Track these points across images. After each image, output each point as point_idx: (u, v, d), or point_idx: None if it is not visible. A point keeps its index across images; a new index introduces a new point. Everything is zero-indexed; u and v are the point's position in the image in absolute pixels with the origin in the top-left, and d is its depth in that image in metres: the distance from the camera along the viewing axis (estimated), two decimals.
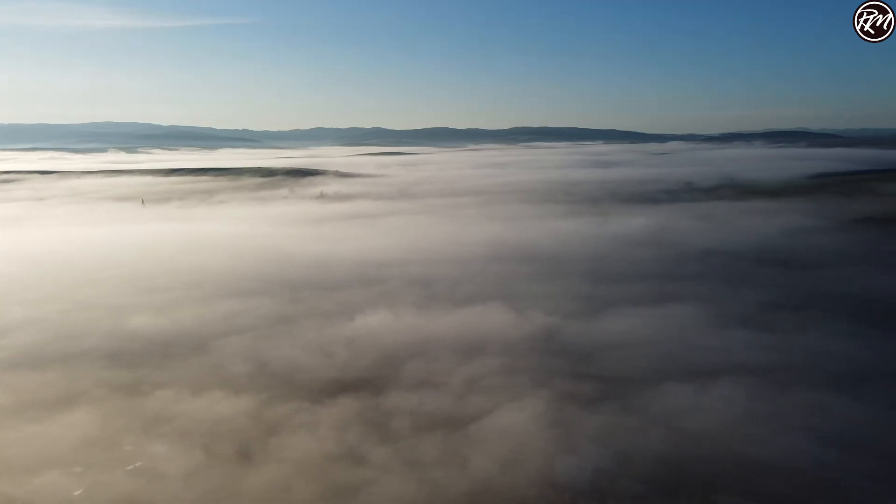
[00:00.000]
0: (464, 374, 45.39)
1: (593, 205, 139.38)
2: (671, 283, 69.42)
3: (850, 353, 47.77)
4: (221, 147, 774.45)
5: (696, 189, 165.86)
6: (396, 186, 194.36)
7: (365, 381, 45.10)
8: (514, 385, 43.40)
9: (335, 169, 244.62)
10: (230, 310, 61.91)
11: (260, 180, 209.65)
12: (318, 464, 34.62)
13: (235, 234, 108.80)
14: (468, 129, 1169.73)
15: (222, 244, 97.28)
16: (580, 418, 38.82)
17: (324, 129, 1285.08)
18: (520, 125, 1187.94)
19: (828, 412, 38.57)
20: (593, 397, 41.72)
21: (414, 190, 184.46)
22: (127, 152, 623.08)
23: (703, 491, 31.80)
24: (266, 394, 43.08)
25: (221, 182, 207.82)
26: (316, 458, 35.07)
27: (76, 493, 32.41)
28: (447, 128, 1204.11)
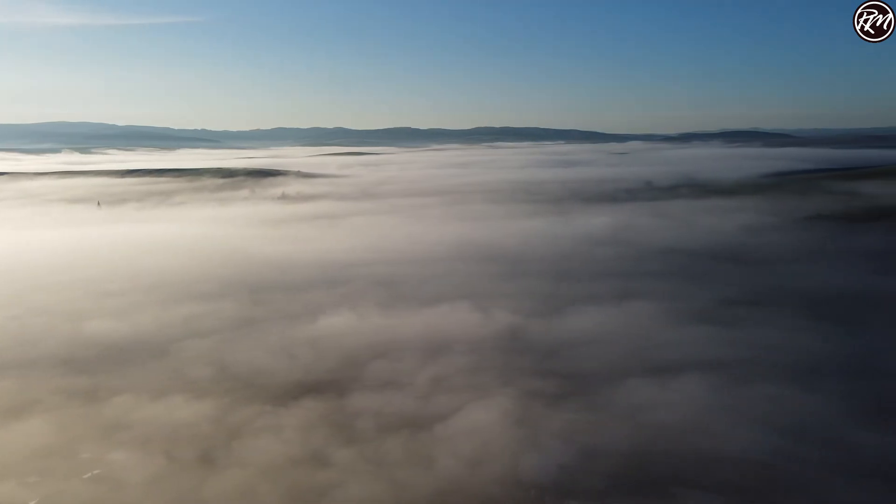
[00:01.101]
0: (429, 374, 45.38)
1: (556, 204, 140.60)
2: (632, 280, 70.46)
3: (804, 347, 49.06)
4: (180, 147, 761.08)
5: (655, 188, 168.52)
6: (359, 187, 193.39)
7: (329, 382, 44.78)
8: (480, 384, 43.56)
9: (297, 169, 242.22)
10: (190, 313, 60.88)
11: (220, 181, 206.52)
12: (282, 467, 34.25)
13: (195, 235, 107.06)
14: (431, 129, 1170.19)
15: (181, 246, 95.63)
16: (545, 416, 39.13)
17: (285, 129, 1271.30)
18: (482, 125, 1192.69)
19: (783, 405, 39.54)
20: (558, 394, 42.09)
21: (377, 190, 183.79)
22: (81, 153, 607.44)
23: (664, 484, 32.31)
24: (228, 397, 42.47)
25: (180, 183, 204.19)
26: (280, 462, 34.70)
27: (31, 503, 31.53)
28: (410, 128, 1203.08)
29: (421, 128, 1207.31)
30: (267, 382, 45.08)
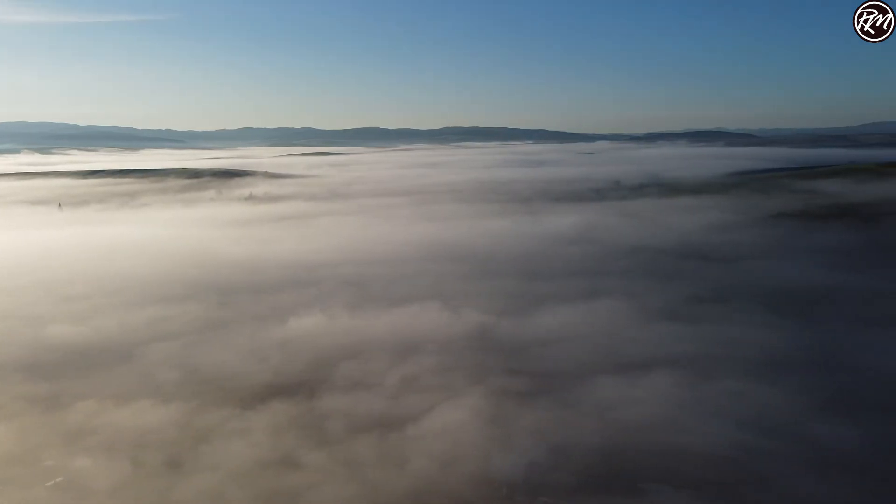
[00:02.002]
0: (400, 374, 45.34)
1: (524, 204, 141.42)
2: (601, 279, 71.25)
3: (767, 342, 50.11)
4: (143, 148, 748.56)
5: (622, 187, 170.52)
6: (328, 187, 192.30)
7: (299, 384, 44.48)
8: (451, 383, 43.65)
9: (264, 170, 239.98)
10: (156, 316, 59.95)
11: (185, 182, 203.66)
12: (251, 470, 33.92)
13: (160, 237, 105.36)
14: (399, 129, 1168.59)
15: (146, 248, 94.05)
16: (515, 414, 39.38)
17: (252, 129, 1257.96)
18: (451, 125, 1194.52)
19: (747, 399, 40.36)
20: (528, 392, 42.38)
21: (346, 190, 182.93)
22: (41, 153, 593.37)
23: (632, 480, 32.76)
24: (196, 401, 41.91)
25: (144, 184, 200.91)
26: (250, 465, 34.36)
27: None
28: (378, 128, 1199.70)
29: (389, 128, 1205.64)
30: (235, 385, 44.59)
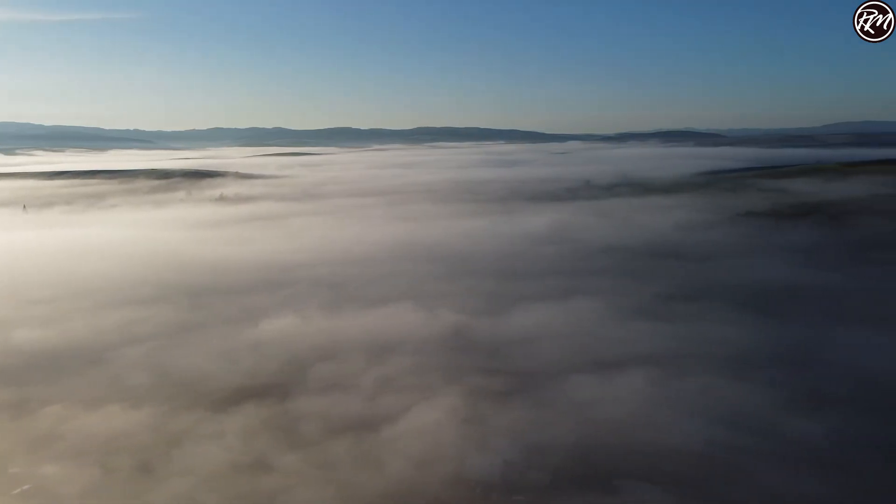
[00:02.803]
0: (375, 375, 45.11)
1: (498, 203, 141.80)
2: (575, 278, 71.66)
3: (738, 339, 50.79)
4: (111, 148, 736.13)
5: (595, 187, 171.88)
6: (300, 187, 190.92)
7: (272, 386, 44.03)
8: (427, 384, 43.53)
9: (235, 170, 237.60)
10: (125, 319, 58.93)
11: (154, 183, 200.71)
12: (224, 474, 33.47)
13: (129, 239, 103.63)
14: (372, 130, 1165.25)
15: (114, 250, 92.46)
16: (491, 413, 39.40)
17: (222, 129, 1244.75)
18: (424, 125, 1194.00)
19: (719, 396, 40.84)
20: (504, 392, 42.45)
21: (318, 191, 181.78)
22: (5, 154, 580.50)
23: (607, 477, 32.96)
24: (167, 405, 41.27)
25: (112, 185, 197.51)
26: (222, 469, 33.90)
27: None
28: (350, 128, 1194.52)
29: (362, 128, 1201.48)
30: (207, 388, 44.00)
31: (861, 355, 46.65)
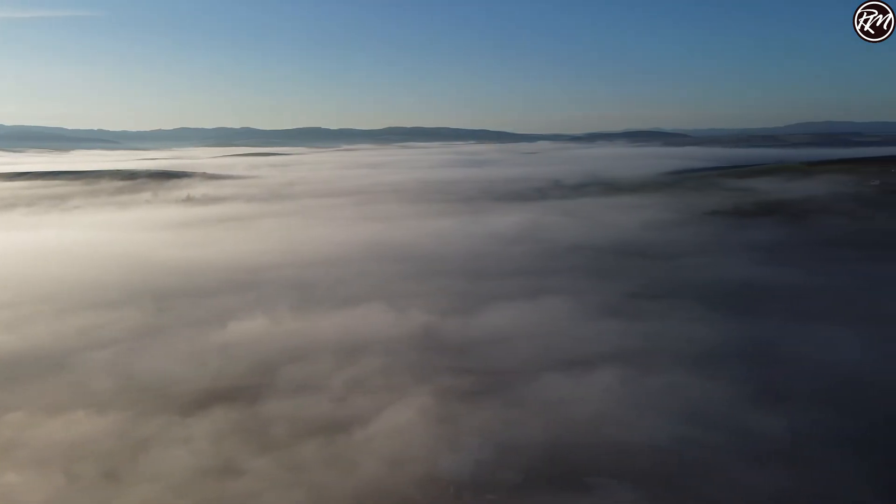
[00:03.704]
0: (345, 377, 44.88)
1: (468, 203, 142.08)
2: (544, 277, 72.14)
3: (704, 337, 51.55)
4: (74, 148, 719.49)
5: (563, 186, 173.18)
6: (269, 188, 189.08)
7: (241, 389, 43.54)
8: (397, 384, 43.46)
9: (202, 170, 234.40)
10: (89, 323, 57.78)
11: (119, 184, 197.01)
12: (193, 479, 32.98)
13: (92, 241, 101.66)
14: (341, 129, 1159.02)
15: (78, 253, 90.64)
16: (463, 413, 39.45)
17: (188, 128, 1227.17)
18: (393, 125, 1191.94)
19: (687, 393, 41.40)
20: (475, 391, 42.56)
21: (287, 191, 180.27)
22: None
23: (577, 475, 33.25)
24: (133, 409, 40.56)
25: (75, 186, 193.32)
26: (191, 474, 33.40)
27: None
28: (319, 128, 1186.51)
29: (331, 128, 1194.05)
30: (174, 392, 43.36)
31: (823, 351, 47.75)
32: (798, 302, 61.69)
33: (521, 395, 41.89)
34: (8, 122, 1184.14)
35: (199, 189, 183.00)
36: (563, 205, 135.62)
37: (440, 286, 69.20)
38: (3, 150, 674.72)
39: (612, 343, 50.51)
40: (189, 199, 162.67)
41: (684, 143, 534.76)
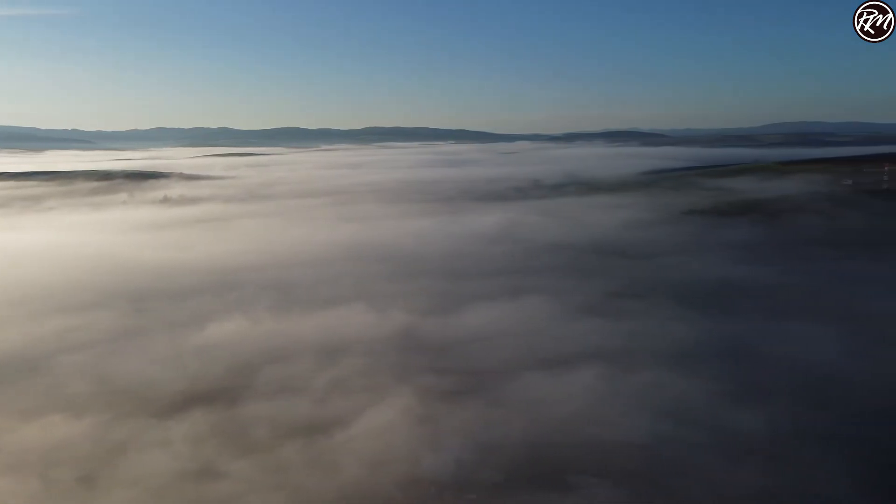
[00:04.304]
0: (326, 377, 44.71)
1: (447, 203, 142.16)
2: (524, 276, 72.46)
3: (682, 335, 52.12)
4: (48, 149, 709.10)
5: (543, 186, 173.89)
6: (247, 188, 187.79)
7: (220, 391, 43.21)
8: (378, 385, 43.36)
9: (180, 171, 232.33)
10: (65, 326, 56.98)
11: (95, 184, 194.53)
12: (172, 483, 32.65)
13: (68, 243, 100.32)
14: (320, 129, 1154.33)
15: (53, 255, 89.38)
16: (443, 413, 39.45)
17: (165, 129, 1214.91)
18: (372, 125, 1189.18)
19: (665, 391, 41.78)
20: (456, 391, 42.58)
21: (266, 191, 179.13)
22: None
23: (558, 473, 33.40)
24: (110, 413, 40.07)
25: (50, 187, 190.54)
26: (170, 477, 33.06)
27: None
28: (298, 128, 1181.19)
29: (309, 128, 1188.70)
30: (152, 394, 42.90)
31: (796, 348, 48.46)
32: (774, 300, 62.54)
33: (502, 394, 41.99)
34: None
35: (177, 189, 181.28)
36: (542, 204, 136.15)
37: (420, 286, 69.18)
38: None
39: (592, 342, 50.79)
40: (166, 200, 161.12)
41: (662, 143, 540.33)
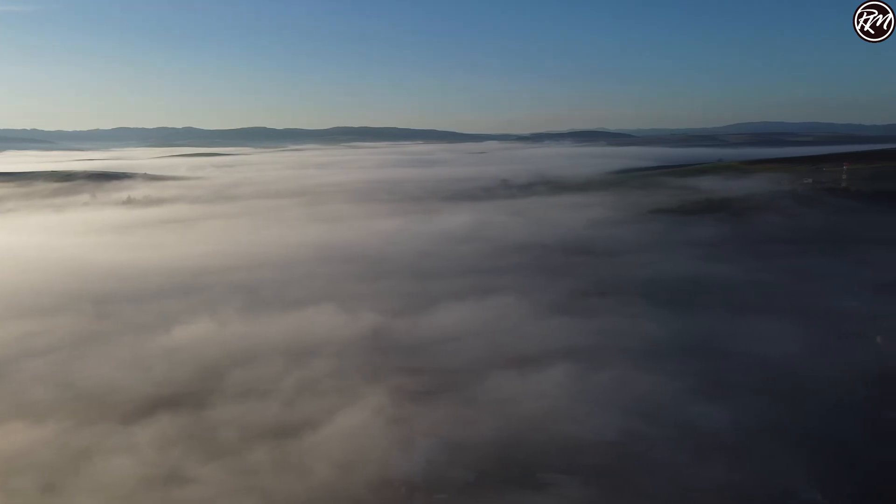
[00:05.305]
0: (295, 379, 44.41)
1: (416, 203, 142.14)
2: (493, 276, 72.82)
3: (648, 332, 52.89)
4: (6, 149, 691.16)
5: (511, 186, 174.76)
6: (213, 189, 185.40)
7: (187, 394, 42.65)
8: (349, 386, 43.22)
9: (144, 171, 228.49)
10: (25, 331, 55.72)
11: (55, 185, 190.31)
12: (138, 489, 32.18)
13: (29, 245, 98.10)
14: (287, 129, 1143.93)
15: (13, 258, 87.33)
16: (414, 413, 39.47)
17: (128, 128, 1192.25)
18: (340, 125, 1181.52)
19: (632, 387, 42.37)
20: (426, 391, 42.65)
21: (232, 192, 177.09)
22: None
23: (528, 470, 33.67)
24: (73, 419, 39.28)
25: (8, 188, 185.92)
26: (136, 483, 32.57)
27: None
28: (264, 127, 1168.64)
29: (277, 127, 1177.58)
30: (117, 399, 42.19)
31: (759, 344, 49.57)
32: (737, 296, 63.80)
33: (472, 393, 42.15)
34: None
35: (141, 190, 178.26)
36: (511, 204, 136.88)
37: (390, 286, 69.11)
38: None
39: (561, 340, 51.24)
40: (130, 201, 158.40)
41: (628, 143, 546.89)
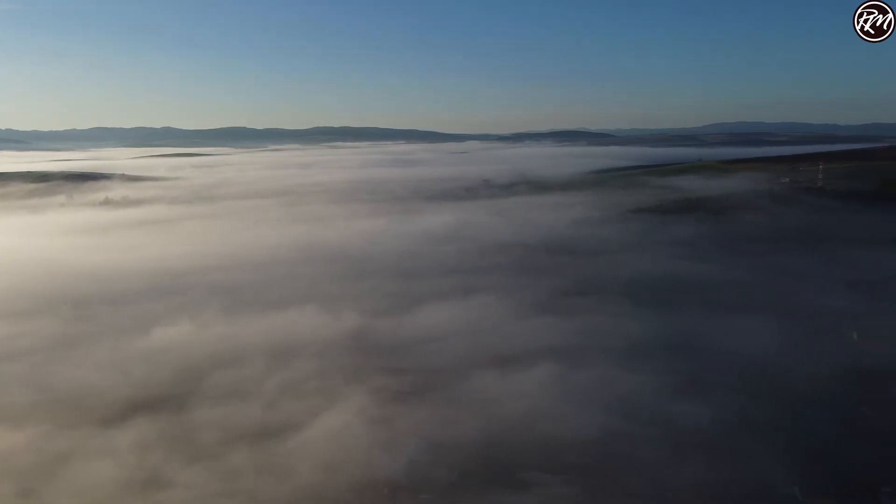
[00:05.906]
0: (278, 381, 44.17)
1: (398, 203, 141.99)
2: (475, 276, 72.92)
3: (629, 331, 53.27)
4: None
5: (492, 186, 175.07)
6: (192, 189, 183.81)
7: (167, 397, 42.26)
8: (331, 386, 43.07)
9: (121, 172, 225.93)
10: (3, 334, 55.08)
11: (31, 186, 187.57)
12: (118, 493, 31.82)
13: (4, 248, 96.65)
14: (267, 129, 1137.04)
15: None
16: (397, 414, 39.43)
17: (105, 128, 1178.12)
18: (321, 125, 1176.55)
19: (614, 386, 42.66)
20: (409, 391, 42.62)
21: (212, 193, 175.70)
22: None
23: (512, 470, 33.76)
24: (51, 423, 38.75)
25: None
26: (115, 487, 32.21)
27: None
28: (245, 127, 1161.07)
29: (257, 127, 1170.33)
30: (95, 403, 41.68)
31: (737, 342, 50.14)
32: (717, 295, 64.42)
33: (455, 393, 42.17)
34: None
35: (119, 191, 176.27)
36: (492, 204, 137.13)
37: (372, 287, 68.96)
38: None
39: (543, 339, 51.42)
40: (107, 202, 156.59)
41: (609, 143, 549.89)
